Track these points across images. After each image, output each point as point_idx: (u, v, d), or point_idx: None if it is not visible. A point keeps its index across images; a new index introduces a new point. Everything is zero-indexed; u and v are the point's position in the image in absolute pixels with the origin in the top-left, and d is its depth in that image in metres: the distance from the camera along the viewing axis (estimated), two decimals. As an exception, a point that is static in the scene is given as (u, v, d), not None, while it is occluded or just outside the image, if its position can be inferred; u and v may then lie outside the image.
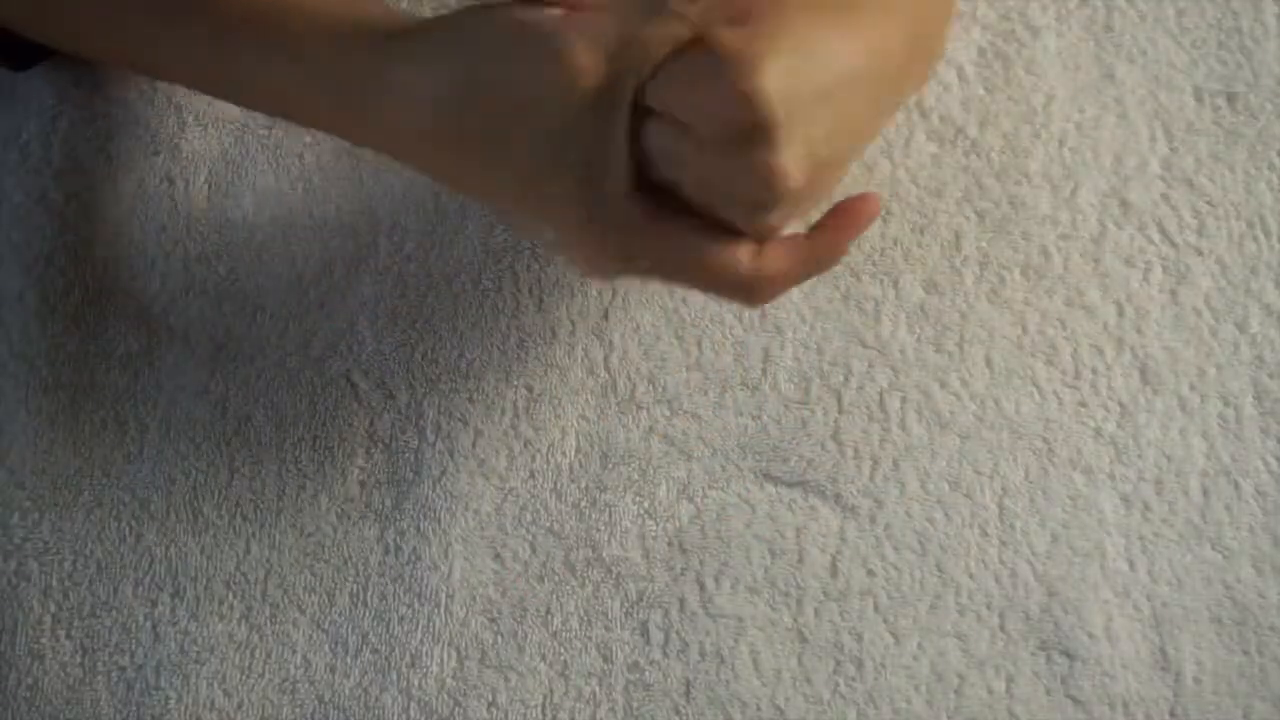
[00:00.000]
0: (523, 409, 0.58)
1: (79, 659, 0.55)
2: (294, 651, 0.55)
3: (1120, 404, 0.58)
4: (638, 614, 0.55)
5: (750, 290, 0.47)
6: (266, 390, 0.59)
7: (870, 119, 0.50)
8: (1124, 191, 0.62)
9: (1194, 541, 0.56)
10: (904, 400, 0.58)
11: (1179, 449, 0.58)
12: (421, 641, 0.55)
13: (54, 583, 0.56)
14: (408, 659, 0.55)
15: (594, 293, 0.60)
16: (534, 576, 0.56)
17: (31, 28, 0.59)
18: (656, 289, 0.59)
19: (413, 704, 0.54)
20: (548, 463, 0.57)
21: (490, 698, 0.54)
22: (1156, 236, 0.61)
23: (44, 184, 0.62)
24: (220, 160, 0.62)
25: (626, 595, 0.55)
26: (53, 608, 0.56)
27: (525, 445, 0.58)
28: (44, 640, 0.55)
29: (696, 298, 0.59)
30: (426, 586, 0.56)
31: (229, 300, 0.60)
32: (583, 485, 0.57)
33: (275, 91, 0.52)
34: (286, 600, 0.56)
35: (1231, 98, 0.63)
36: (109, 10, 0.54)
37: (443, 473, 0.57)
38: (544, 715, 0.54)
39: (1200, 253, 0.61)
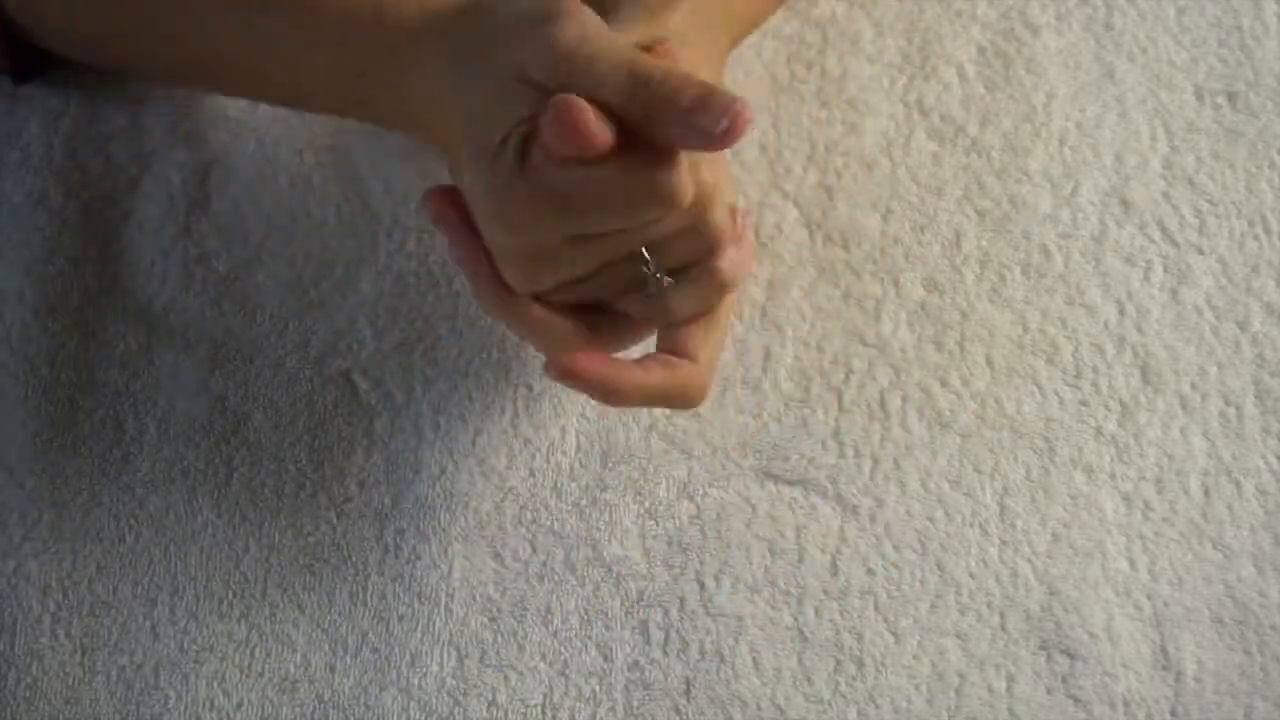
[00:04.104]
0: (522, 408, 0.58)
1: (78, 658, 0.55)
2: (293, 651, 0.55)
3: (1121, 403, 0.58)
4: (638, 613, 0.55)
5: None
6: (265, 389, 0.59)
7: None
8: (1125, 190, 0.62)
9: (1195, 540, 0.56)
10: (905, 399, 0.58)
11: (1180, 448, 0.58)
12: (421, 641, 0.55)
13: (53, 582, 0.56)
14: (407, 658, 0.55)
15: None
16: (534, 576, 0.56)
17: (64, 34, 0.60)
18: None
19: (413, 703, 0.54)
20: (548, 461, 0.57)
21: (490, 697, 0.54)
22: (1157, 235, 0.61)
23: (44, 184, 0.62)
24: (220, 160, 0.62)
25: (626, 594, 0.55)
26: (52, 607, 0.56)
27: (525, 444, 0.58)
28: (43, 639, 0.55)
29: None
30: (426, 586, 0.56)
31: (228, 300, 0.60)
32: (583, 484, 0.57)
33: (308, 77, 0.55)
34: (286, 599, 0.56)
35: (1232, 96, 0.63)
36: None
37: (442, 472, 0.57)
38: (544, 715, 0.54)
39: (1201, 251, 0.61)
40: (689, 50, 0.53)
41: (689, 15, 0.54)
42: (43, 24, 0.60)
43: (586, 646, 0.55)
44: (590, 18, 0.48)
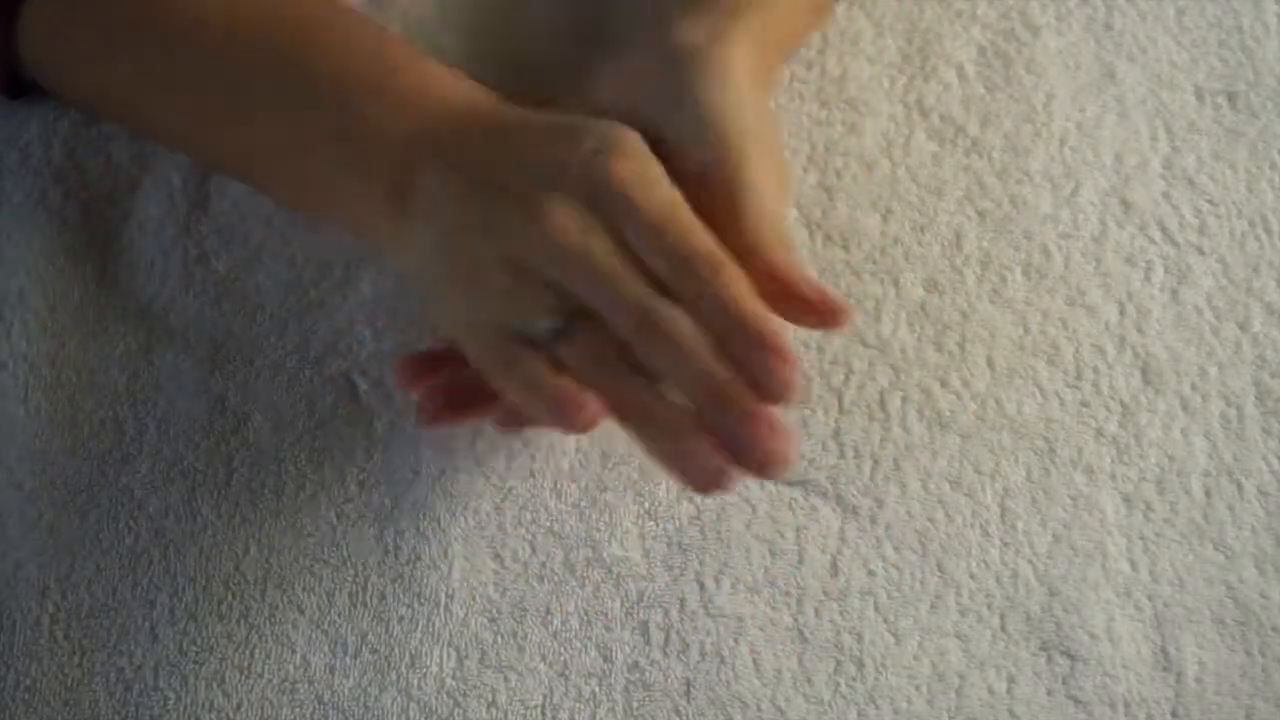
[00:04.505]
0: (522, 408, 0.58)
1: (77, 659, 0.55)
2: (293, 652, 0.55)
3: (1122, 404, 0.58)
4: (638, 614, 0.55)
5: None
6: (265, 390, 0.59)
7: None
8: (1125, 191, 0.62)
9: (1196, 541, 0.56)
10: (905, 400, 0.58)
11: (1181, 449, 0.58)
12: (421, 641, 0.55)
13: (51, 583, 0.56)
14: (407, 659, 0.54)
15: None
16: (534, 576, 0.56)
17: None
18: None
19: (412, 704, 0.54)
20: (547, 462, 0.57)
21: (490, 698, 0.54)
22: (1158, 236, 0.61)
23: (44, 184, 0.62)
24: (220, 160, 0.62)
25: (626, 595, 0.55)
26: (50, 608, 0.55)
27: (524, 444, 0.58)
28: (42, 641, 0.55)
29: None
30: (426, 586, 0.55)
31: (228, 300, 0.60)
32: (582, 485, 0.57)
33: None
34: (285, 600, 0.56)
35: (1232, 97, 0.63)
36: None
37: (441, 472, 0.57)
38: (544, 715, 0.54)
39: (1202, 252, 0.61)
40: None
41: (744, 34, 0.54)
42: (43, 72, 0.60)
43: (586, 647, 0.55)
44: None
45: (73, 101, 0.61)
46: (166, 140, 0.60)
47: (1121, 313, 0.60)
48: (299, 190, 0.57)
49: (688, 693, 0.54)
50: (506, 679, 0.54)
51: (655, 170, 0.50)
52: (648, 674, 0.54)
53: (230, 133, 0.56)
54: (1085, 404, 0.58)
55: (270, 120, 0.55)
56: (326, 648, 0.55)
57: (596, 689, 0.54)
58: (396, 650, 0.55)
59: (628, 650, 0.55)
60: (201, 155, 0.60)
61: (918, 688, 0.54)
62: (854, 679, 0.54)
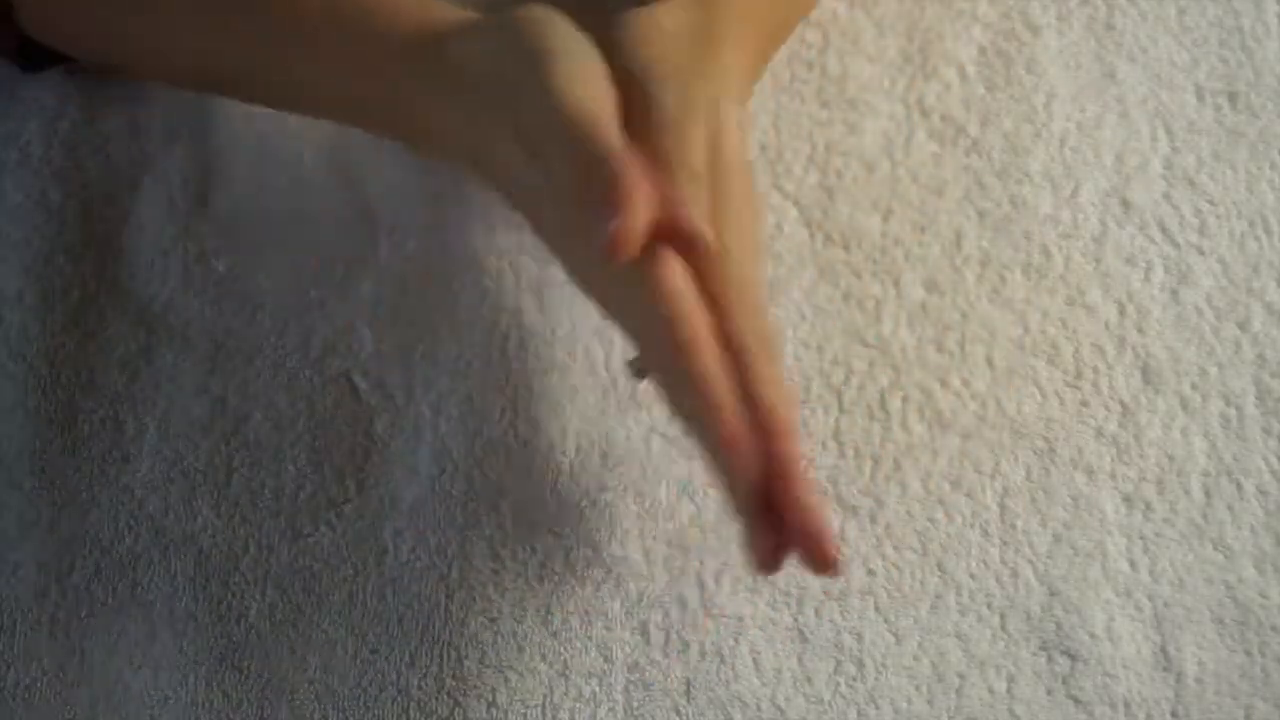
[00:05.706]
0: (522, 409, 0.58)
1: (76, 659, 0.55)
2: (291, 652, 0.55)
3: (1122, 403, 0.58)
4: (638, 614, 0.55)
5: None
6: (265, 390, 0.59)
7: None
8: (1125, 191, 0.62)
9: (1196, 541, 0.56)
10: (905, 400, 0.58)
11: (1181, 449, 0.58)
12: (420, 641, 0.55)
13: (51, 583, 0.56)
14: (406, 659, 0.54)
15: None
16: (533, 576, 0.56)
17: (82, 41, 0.60)
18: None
19: (412, 704, 0.54)
20: (547, 462, 0.57)
21: (490, 698, 0.54)
22: (1158, 236, 0.61)
23: (44, 184, 0.62)
24: (220, 160, 0.62)
25: (626, 595, 0.55)
26: (50, 608, 0.55)
27: (524, 445, 0.58)
28: (41, 641, 0.55)
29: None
30: (425, 586, 0.55)
31: (228, 299, 0.60)
32: (583, 485, 0.57)
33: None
34: (284, 601, 0.56)
35: (1233, 97, 0.63)
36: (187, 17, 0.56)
37: (441, 472, 0.57)
38: (544, 715, 0.54)
39: (1202, 252, 0.61)
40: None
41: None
42: (52, 26, 0.60)
43: (586, 647, 0.55)
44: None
45: (80, 45, 0.60)
46: (169, 65, 0.59)
47: (1121, 313, 0.60)
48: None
49: (688, 693, 0.54)
50: (506, 679, 0.54)
51: None
52: (648, 674, 0.54)
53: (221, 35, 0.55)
54: (1085, 404, 0.58)
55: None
56: (325, 647, 0.55)
57: (596, 689, 0.54)
58: (395, 650, 0.55)
59: (628, 650, 0.55)
60: (198, 70, 0.59)
61: (918, 688, 0.54)
62: (854, 679, 0.54)
